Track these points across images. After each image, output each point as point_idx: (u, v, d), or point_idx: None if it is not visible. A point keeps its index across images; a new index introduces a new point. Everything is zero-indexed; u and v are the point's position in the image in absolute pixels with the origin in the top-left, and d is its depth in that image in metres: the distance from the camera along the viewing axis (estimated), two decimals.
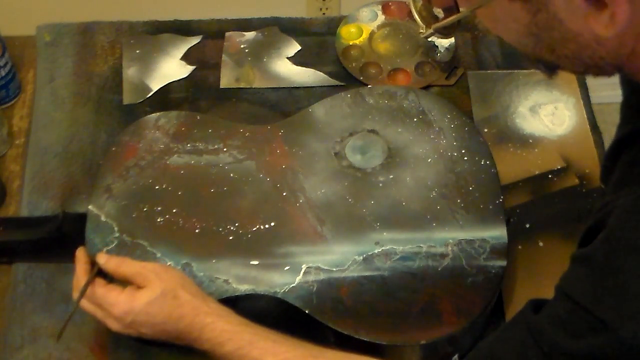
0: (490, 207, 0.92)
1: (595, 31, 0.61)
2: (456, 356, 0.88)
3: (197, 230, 0.91)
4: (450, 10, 0.94)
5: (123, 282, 0.82)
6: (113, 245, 0.89)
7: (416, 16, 1.05)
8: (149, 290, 0.78)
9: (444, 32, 1.08)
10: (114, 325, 0.80)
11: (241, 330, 0.78)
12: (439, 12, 1.05)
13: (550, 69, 0.71)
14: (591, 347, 0.62)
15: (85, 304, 0.82)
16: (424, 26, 1.05)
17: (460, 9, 0.70)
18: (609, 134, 1.21)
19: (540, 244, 0.99)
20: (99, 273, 0.83)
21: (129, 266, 0.81)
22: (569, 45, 0.64)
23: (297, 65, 1.18)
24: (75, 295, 0.82)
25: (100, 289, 0.80)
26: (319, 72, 1.17)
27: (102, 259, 0.83)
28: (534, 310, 0.69)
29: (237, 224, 0.91)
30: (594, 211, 0.71)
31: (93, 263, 0.83)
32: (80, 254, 0.84)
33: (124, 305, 0.78)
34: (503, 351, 0.70)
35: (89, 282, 0.81)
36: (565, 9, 0.61)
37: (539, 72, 0.73)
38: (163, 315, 0.78)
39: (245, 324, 0.79)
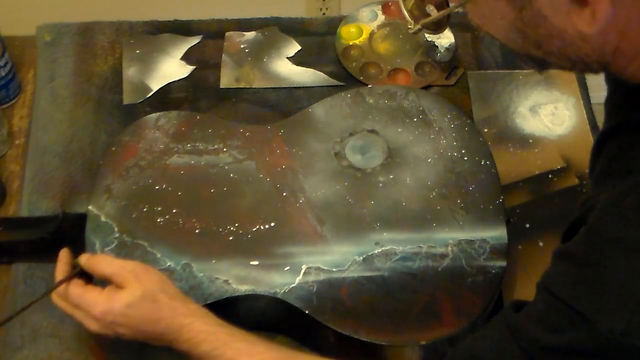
0: (490, 207, 0.92)
1: (578, 28, 0.62)
2: None
3: (197, 231, 0.91)
4: (442, 7, 0.95)
5: (103, 282, 0.81)
6: (113, 245, 0.89)
7: (405, 13, 1.06)
8: (128, 292, 0.78)
9: (433, 28, 1.08)
10: (93, 325, 0.79)
11: (217, 330, 0.78)
12: (432, 10, 1.06)
13: (540, 64, 0.71)
14: (570, 341, 0.63)
15: (63, 305, 0.81)
16: (412, 22, 1.05)
17: (450, 5, 0.71)
18: None
19: (540, 244, 0.99)
20: (81, 274, 0.82)
21: (108, 265, 0.80)
22: (554, 42, 0.65)
23: (297, 65, 1.18)
24: (53, 296, 0.81)
25: (78, 289, 0.80)
26: (319, 72, 1.17)
27: (83, 259, 0.82)
28: (515, 310, 0.70)
29: (237, 224, 0.91)
30: (577, 207, 0.72)
31: (75, 265, 0.82)
32: (63, 254, 0.84)
33: (102, 306, 0.78)
34: (481, 349, 0.70)
35: (64, 280, 0.80)
36: (549, 6, 0.62)
37: (531, 68, 0.73)
38: (141, 318, 0.78)
39: (221, 325, 0.78)
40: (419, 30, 1.06)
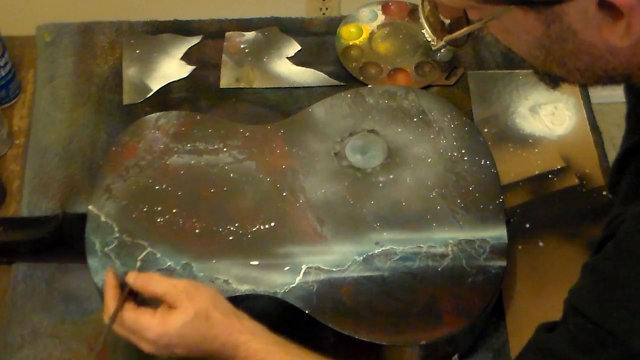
0: (490, 207, 0.92)
1: (609, 42, 0.60)
2: (456, 356, 0.88)
3: (197, 230, 0.90)
4: (458, 21, 0.93)
5: (153, 300, 0.80)
6: (113, 245, 0.89)
7: (427, 28, 1.04)
8: (181, 313, 0.77)
9: (455, 44, 1.07)
10: (148, 348, 0.79)
11: (274, 350, 0.77)
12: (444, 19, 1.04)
13: (556, 82, 0.70)
14: None
15: (117, 328, 0.80)
16: (435, 38, 1.04)
17: (471, 21, 0.68)
18: (609, 134, 1.21)
19: (540, 244, 0.99)
20: (130, 292, 0.80)
21: (158, 284, 0.79)
22: (582, 57, 0.63)
23: (297, 65, 1.18)
24: (106, 319, 0.80)
25: (131, 313, 0.78)
26: (319, 72, 1.17)
27: (131, 278, 0.81)
28: (546, 332, 0.69)
29: (237, 224, 0.91)
30: (604, 225, 0.70)
31: (122, 285, 0.81)
32: (109, 277, 0.82)
33: (157, 329, 0.77)
34: None
35: (119, 309, 0.78)
36: (579, 20, 0.60)
37: (547, 85, 0.72)
38: (197, 337, 0.77)
39: (278, 344, 0.78)
40: (443, 47, 1.05)
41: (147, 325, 0.77)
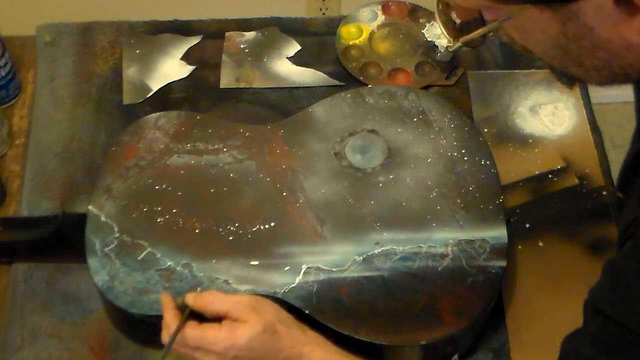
0: (490, 207, 0.92)
1: (626, 37, 0.60)
2: (456, 356, 0.88)
3: (197, 230, 0.91)
4: (469, 22, 0.93)
5: (214, 318, 0.79)
6: (113, 245, 0.89)
7: (443, 30, 1.03)
8: (250, 326, 0.77)
9: (470, 45, 1.07)
10: None
11: (338, 359, 0.78)
12: (455, 18, 1.04)
13: (573, 81, 0.70)
14: None
15: (178, 347, 0.79)
16: (452, 40, 1.03)
17: (487, 21, 0.68)
18: (609, 134, 1.22)
19: (540, 244, 0.99)
20: (190, 314, 0.79)
21: (222, 303, 0.79)
22: (599, 55, 0.63)
23: (297, 65, 1.18)
24: (166, 340, 0.78)
25: (195, 330, 0.78)
26: (319, 72, 1.17)
27: (191, 299, 0.79)
28: (569, 341, 0.69)
29: (237, 224, 0.91)
30: (622, 229, 0.70)
31: (180, 308, 0.79)
32: (166, 300, 0.80)
33: (225, 342, 0.76)
34: None
35: (180, 328, 0.77)
36: (595, 17, 0.60)
37: (564, 84, 0.71)
38: (263, 350, 0.77)
39: (341, 354, 0.78)
40: (459, 48, 1.04)
41: (214, 339, 0.77)
